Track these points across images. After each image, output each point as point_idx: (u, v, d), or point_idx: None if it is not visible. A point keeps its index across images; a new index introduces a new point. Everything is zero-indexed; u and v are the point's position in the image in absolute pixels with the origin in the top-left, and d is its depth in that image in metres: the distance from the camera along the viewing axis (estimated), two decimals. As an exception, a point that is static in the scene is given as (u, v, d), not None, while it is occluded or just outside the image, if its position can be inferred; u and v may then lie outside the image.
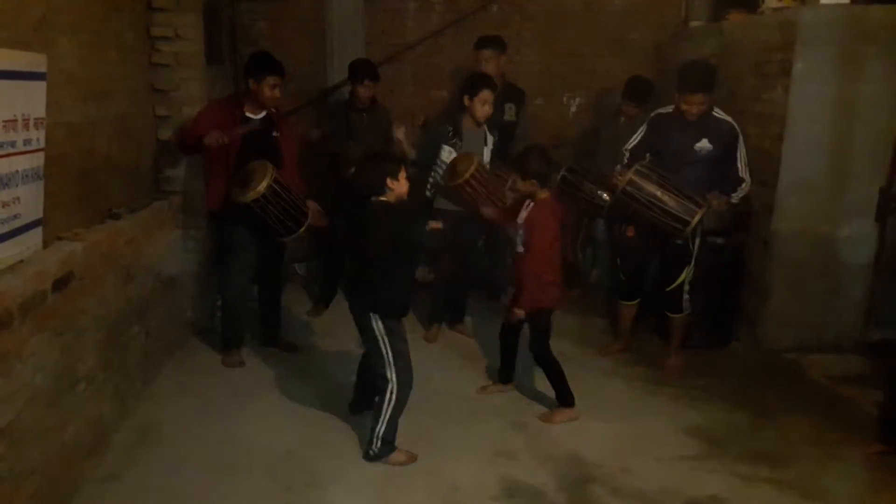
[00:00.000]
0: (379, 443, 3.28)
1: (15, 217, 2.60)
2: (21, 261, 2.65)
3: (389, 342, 3.27)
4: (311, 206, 4.22)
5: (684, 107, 4.06)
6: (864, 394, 4.00)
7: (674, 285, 4.29)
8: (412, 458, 3.33)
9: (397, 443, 3.33)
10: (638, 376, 4.33)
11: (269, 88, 4.08)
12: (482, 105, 4.44)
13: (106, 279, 3.29)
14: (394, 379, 3.27)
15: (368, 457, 3.30)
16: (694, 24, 5.86)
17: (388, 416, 3.28)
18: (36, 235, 2.79)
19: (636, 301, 4.56)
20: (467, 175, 4.17)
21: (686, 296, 4.33)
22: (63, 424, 2.85)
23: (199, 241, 4.67)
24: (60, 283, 2.78)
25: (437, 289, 4.88)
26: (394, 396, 3.27)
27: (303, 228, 4.12)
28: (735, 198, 4.17)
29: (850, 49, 4.29)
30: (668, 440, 3.58)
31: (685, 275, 4.27)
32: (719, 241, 4.58)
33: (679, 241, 4.15)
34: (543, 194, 3.67)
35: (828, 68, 4.32)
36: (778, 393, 4.11)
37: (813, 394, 4.13)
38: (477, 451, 3.44)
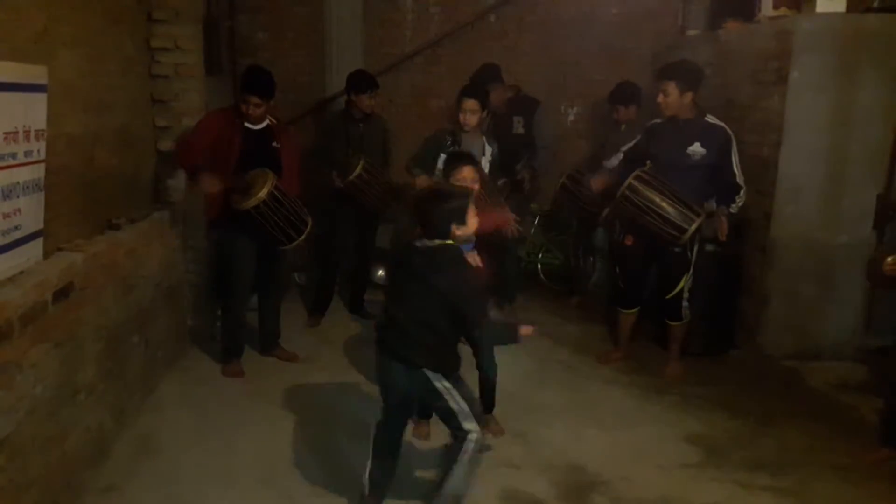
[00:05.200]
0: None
1: (16, 228, 2.61)
2: (21, 272, 2.66)
3: (458, 393, 2.82)
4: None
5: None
6: (864, 401, 4.01)
7: (673, 293, 4.30)
8: None
9: None
10: (638, 384, 4.33)
11: (246, 106, 4.08)
12: (463, 114, 4.40)
13: (106, 290, 3.29)
14: (474, 427, 2.80)
15: None
16: (691, 32, 5.89)
17: (464, 472, 2.84)
18: (36, 246, 2.80)
19: (635, 309, 4.56)
20: None
21: (685, 303, 4.33)
22: (63, 435, 2.85)
23: (199, 250, 4.68)
24: (61, 294, 2.79)
25: None
26: (472, 447, 2.79)
27: (303, 237, 4.13)
28: (734, 208, 4.14)
29: (847, 57, 4.32)
30: (669, 448, 3.58)
31: (684, 282, 4.28)
32: (718, 248, 4.58)
33: (677, 249, 4.16)
34: None
35: (824, 76, 4.35)
36: (777, 400, 4.11)
37: (812, 401, 4.14)
38: (477, 459, 3.44)
